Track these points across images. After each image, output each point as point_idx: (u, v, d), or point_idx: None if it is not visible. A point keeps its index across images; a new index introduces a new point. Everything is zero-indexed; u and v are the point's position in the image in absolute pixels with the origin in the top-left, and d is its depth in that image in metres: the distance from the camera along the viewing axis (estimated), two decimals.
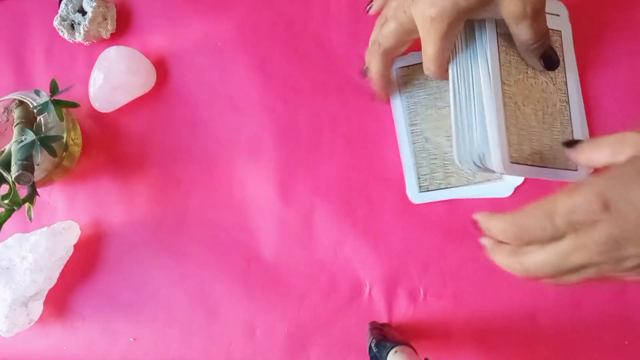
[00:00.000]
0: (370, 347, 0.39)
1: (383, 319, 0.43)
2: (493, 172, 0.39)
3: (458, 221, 0.43)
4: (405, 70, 0.44)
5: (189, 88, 0.50)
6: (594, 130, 0.41)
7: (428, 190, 0.43)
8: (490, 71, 0.38)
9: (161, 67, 0.51)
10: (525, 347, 0.41)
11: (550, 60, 0.39)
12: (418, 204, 0.43)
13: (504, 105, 0.38)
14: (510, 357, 0.41)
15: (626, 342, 0.39)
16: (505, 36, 0.39)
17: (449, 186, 0.43)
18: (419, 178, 0.43)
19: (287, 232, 0.46)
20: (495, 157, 0.37)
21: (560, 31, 0.42)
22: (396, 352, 0.36)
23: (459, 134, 0.39)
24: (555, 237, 0.29)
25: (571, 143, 0.36)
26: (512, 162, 0.38)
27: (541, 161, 0.39)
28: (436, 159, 0.43)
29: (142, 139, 0.51)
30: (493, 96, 0.38)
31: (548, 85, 0.41)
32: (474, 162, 0.39)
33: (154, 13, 0.52)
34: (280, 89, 0.48)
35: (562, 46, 0.41)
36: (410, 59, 0.44)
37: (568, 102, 0.41)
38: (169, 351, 0.47)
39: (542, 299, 0.41)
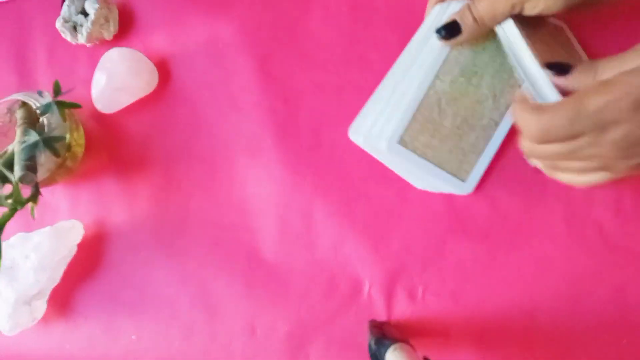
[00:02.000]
0: (369, 345, 0.39)
1: (382, 317, 0.43)
2: (376, 148, 0.39)
3: (457, 220, 0.43)
4: None
5: (190, 89, 0.51)
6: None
7: (404, 147, 0.38)
8: (431, 60, 0.38)
9: (163, 68, 0.51)
10: (523, 345, 0.41)
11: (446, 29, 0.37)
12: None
13: (425, 95, 0.38)
14: (509, 356, 0.41)
15: (625, 342, 0.39)
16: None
17: (422, 156, 0.39)
18: (405, 129, 0.38)
19: (287, 231, 0.46)
20: (386, 132, 0.38)
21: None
22: (395, 350, 0.36)
23: (372, 104, 0.39)
24: (582, 131, 0.29)
25: (562, 68, 0.35)
26: (398, 143, 0.38)
27: (431, 157, 0.39)
28: (432, 123, 0.39)
29: (144, 139, 0.51)
30: (418, 82, 0.38)
31: (487, 100, 0.40)
32: (364, 133, 0.39)
33: (156, 14, 0.53)
34: (280, 90, 0.48)
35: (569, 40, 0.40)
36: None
37: (497, 126, 0.40)
38: (170, 349, 0.47)
39: (541, 298, 0.41)
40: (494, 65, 0.40)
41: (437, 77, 0.38)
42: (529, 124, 0.31)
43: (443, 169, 0.40)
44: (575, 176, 0.34)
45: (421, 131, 0.39)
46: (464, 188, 0.41)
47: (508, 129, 0.41)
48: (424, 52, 0.39)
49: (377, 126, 0.39)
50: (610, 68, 0.34)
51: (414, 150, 0.39)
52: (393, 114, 0.38)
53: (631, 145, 0.29)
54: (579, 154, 0.31)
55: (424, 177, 0.42)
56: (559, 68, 0.36)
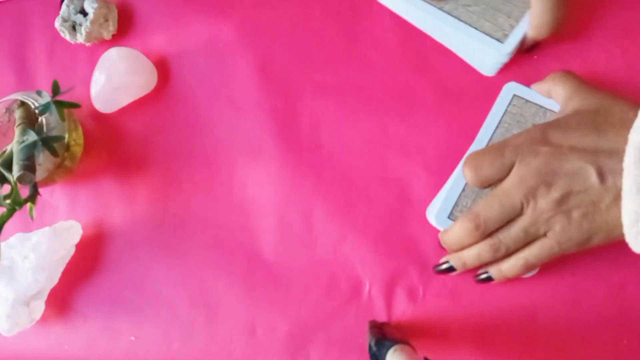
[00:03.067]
0: (369, 345, 0.39)
1: (382, 317, 0.43)
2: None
3: None
4: (521, 103, 0.41)
5: (190, 89, 0.50)
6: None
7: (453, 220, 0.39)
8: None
9: (162, 67, 0.51)
10: (524, 346, 0.41)
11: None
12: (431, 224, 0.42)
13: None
14: (509, 356, 0.41)
15: (625, 342, 0.39)
16: (515, 115, 0.41)
17: (457, 17, 0.42)
18: (455, 205, 0.39)
19: (287, 231, 0.46)
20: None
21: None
22: (395, 350, 0.36)
23: None
24: (507, 168, 0.34)
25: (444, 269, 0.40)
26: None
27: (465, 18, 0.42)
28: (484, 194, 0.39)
29: (143, 139, 0.51)
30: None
31: None
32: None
33: (156, 14, 0.53)
34: (280, 89, 0.48)
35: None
36: (530, 94, 0.41)
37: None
38: (169, 350, 0.47)
39: (541, 298, 0.41)
40: None
41: None
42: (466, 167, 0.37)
43: (478, 29, 0.42)
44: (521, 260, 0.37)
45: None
46: (501, 49, 0.41)
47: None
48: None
49: None
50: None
51: (449, 12, 0.41)
52: None
53: (550, 175, 0.33)
54: (511, 198, 0.34)
55: (459, 39, 0.43)
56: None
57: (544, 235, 0.35)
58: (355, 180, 0.45)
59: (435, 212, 0.40)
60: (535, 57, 0.44)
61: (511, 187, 0.34)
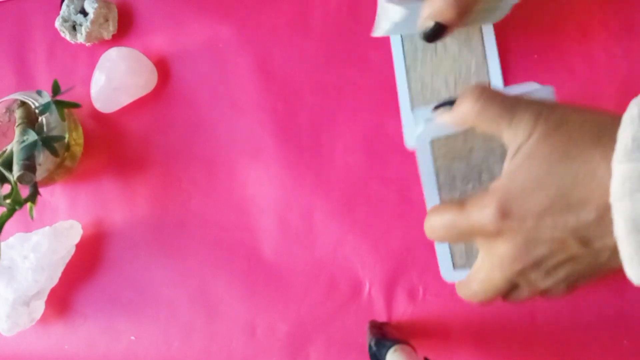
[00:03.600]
0: (369, 345, 0.39)
1: (382, 317, 0.43)
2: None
3: None
4: (443, 142, 0.34)
5: (190, 88, 0.50)
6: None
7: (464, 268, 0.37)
8: (397, 64, 0.43)
9: (162, 67, 0.51)
10: (524, 346, 0.41)
11: (427, 36, 0.36)
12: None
13: (409, 89, 0.43)
14: (509, 356, 0.41)
15: (625, 342, 0.39)
16: (445, 156, 0.34)
17: None
18: (452, 255, 0.36)
19: (287, 231, 0.46)
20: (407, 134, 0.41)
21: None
22: (395, 350, 0.36)
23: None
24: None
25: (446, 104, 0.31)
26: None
27: None
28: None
29: (143, 139, 0.51)
30: (402, 83, 0.43)
31: (461, 52, 0.41)
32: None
33: (156, 14, 0.53)
34: (280, 89, 0.48)
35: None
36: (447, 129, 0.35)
37: (485, 59, 0.41)
38: (170, 350, 0.47)
39: (541, 299, 0.41)
40: (493, 151, 0.34)
41: (407, 70, 0.43)
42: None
43: None
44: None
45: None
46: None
47: (496, 60, 0.42)
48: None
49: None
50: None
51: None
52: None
53: (526, 252, 0.27)
54: (496, 282, 0.29)
55: None
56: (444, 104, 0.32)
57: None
58: (355, 180, 0.45)
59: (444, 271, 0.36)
60: (536, 56, 0.43)
61: (489, 277, 0.29)
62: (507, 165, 0.28)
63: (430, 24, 0.35)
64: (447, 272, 0.35)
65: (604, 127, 0.25)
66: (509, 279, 0.28)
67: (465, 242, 0.30)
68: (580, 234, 0.25)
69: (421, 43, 0.42)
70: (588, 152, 0.24)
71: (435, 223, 0.30)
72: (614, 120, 0.24)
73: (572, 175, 0.25)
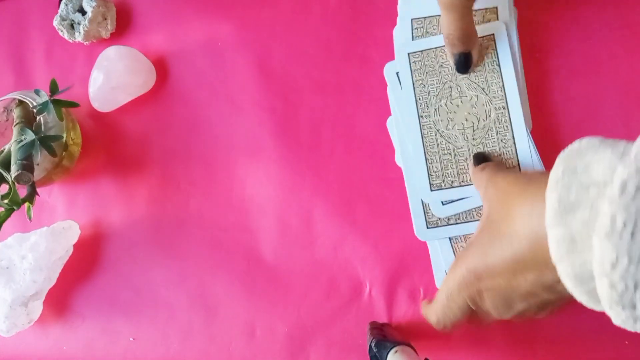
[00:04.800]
0: (370, 347, 0.39)
1: (383, 318, 0.43)
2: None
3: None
4: (418, 56, 0.41)
5: (188, 88, 0.50)
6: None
7: (440, 189, 0.40)
8: (408, 110, 0.41)
9: (161, 66, 0.51)
10: (525, 347, 0.40)
11: (459, 64, 0.40)
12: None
13: (422, 137, 0.40)
14: (510, 357, 0.41)
15: (626, 342, 0.39)
16: (421, 69, 0.41)
17: (463, 184, 0.39)
18: (430, 175, 0.40)
19: (287, 232, 0.46)
20: (420, 185, 0.40)
21: (493, 34, 0.40)
22: (396, 352, 0.36)
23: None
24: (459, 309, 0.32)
25: (479, 159, 0.38)
26: (432, 190, 0.40)
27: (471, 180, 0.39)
28: (449, 154, 0.40)
29: (142, 138, 0.51)
30: (413, 132, 0.41)
31: (479, 98, 0.40)
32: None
33: (154, 13, 0.52)
34: (280, 89, 0.48)
35: (496, 49, 0.40)
36: (421, 44, 0.42)
37: (506, 107, 0.40)
38: (168, 351, 0.47)
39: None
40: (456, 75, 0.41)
41: (420, 117, 0.41)
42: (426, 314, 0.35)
43: None
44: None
45: (444, 166, 0.40)
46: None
47: (519, 105, 0.40)
48: (401, 108, 0.41)
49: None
50: None
51: (448, 186, 0.40)
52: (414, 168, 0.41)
53: (508, 301, 0.30)
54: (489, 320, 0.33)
55: None
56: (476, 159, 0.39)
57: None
58: (355, 180, 0.45)
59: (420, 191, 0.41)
60: (537, 55, 0.43)
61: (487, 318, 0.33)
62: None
63: (455, 56, 0.39)
64: (424, 193, 0.40)
65: (531, 182, 0.28)
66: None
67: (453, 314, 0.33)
68: (540, 298, 0.29)
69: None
70: (521, 212, 0.27)
71: (430, 314, 0.34)
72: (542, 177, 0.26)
73: (517, 237, 0.27)
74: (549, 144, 0.41)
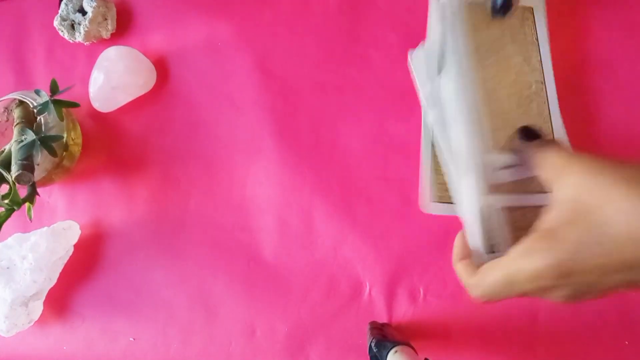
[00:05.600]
0: (370, 346, 0.39)
1: (383, 318, 0.43)
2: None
3: (457, 221, 0.43)
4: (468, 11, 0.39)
5: (189, 88, 0.50)
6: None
7: (442, 202, 0.39)
8: (460, 63, 0.35)
9: (161, 66, 0.51)
10: (525, 347, 0.40)
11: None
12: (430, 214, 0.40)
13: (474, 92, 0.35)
14: (510, 357, 0.41)
15: (626, 342, 0.39)
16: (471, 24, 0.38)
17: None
18: (433, 186, 0.39)
19: (287, 232, 0.46)
20: (473, 147, 0.35)
21: (532, 7, 0.41)
22: (396, 352, 0.36)
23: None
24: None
25: (530, 134, 0.33)
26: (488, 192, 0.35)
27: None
28: (497, 116, 0.38)
29: (142, 138, 0.51)
30: (466, 84, 0.34)
31: (522, 67, 0.39)
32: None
33: (154, 13, 0.52)
34: (280, 88, 0.48)
35: (534, 23, 0.40)
36: None
37: (544, 82, 0.39)
38: (169, 351, 0.47)
39: (542, 299, 0.41)
40: (504, 34, 0.39)
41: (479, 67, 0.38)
42: (467, 284, 0.32)
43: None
44: None
45: (497, 127, 0.37)
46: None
47: (553, 85, 0.40)
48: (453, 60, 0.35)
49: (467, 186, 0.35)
50: None
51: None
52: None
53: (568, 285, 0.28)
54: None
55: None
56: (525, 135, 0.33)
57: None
58: (355, 180, 0.45)
59: (423, 199, 0.39)
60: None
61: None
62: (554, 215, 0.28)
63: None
64: (426, 202, 0.37)
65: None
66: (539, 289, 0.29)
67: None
68: (631, 282, 0.26)
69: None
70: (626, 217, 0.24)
71: (491, 292, 0.30)
72: None
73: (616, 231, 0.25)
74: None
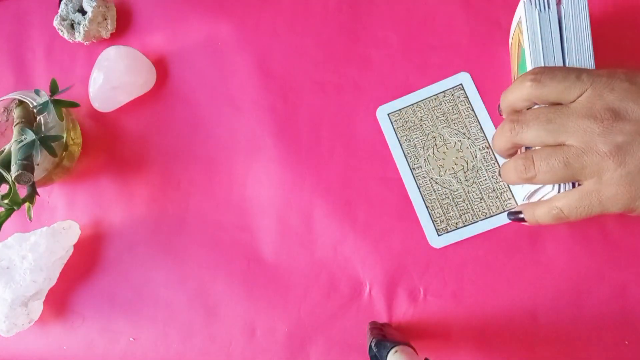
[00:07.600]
0: (370, 347, 0.39)
1: (383, 318, 0.43)
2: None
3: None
4: (397, 115, 0.45)
5: (189, 88, 0.50)
6: None
7: (447, 232, 0.42)
8: (400, 165, 0.44)
9: (161, 66, 0.51)
10: (525, 346, 0.40)
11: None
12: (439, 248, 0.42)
13: (419, 187, 0.43)
14: (511, 357, 0.41)
15: (626, 342, 0.39)
16: (402, 127, 0.44)
17: (466, 223, 0.42)
18: (434, 221, 0.42)
19: (287, 232, 0.46)
20: (429, 236, 0.42)
21: (461, 84, 0.44)
22: (396, 352, 0.36)
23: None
24: (574, 94, 0.29)
25: (514, 215, 0.37)
26: (439, 235, 0.42)
27: (473, 217, 0.42)
28: (447, 198, 0.42)
29: (142, 138, 0.51)
30: (409, 184, 0.43)
31: (462, 142, 0.43)
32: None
33: (154, 13, 0.52)
34: (280, 89, 0.48)
35: (467, 97, 0.43)
36: (397, 104, 0.45)
37: (489, 145, 0.43)
38: (169, 351, 0.47)
39: (542, 298, 0.41)
40: (438, 119, 0.43)
41: (412, 169, 0.43)
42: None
43: (493, 214, 0.42)
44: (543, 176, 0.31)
45: (445, 211, 0.42)
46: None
47: None
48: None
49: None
50: None
51: (454, 227, 0.42)
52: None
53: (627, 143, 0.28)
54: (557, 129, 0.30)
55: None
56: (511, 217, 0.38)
57: (586, 181, 0.30)
58: (356, 180, 0.45)
59: (429, 237, 0.43)
60: None
61: (574, 112, 0.29)
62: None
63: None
64: (433, 238, 0.43)
65: None
66: (585, 123, 0.29)
67: (569, 90, 0.30)
68: None
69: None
70: None
71: (555, 69, 0.30)
72: None
73: None
74: None
